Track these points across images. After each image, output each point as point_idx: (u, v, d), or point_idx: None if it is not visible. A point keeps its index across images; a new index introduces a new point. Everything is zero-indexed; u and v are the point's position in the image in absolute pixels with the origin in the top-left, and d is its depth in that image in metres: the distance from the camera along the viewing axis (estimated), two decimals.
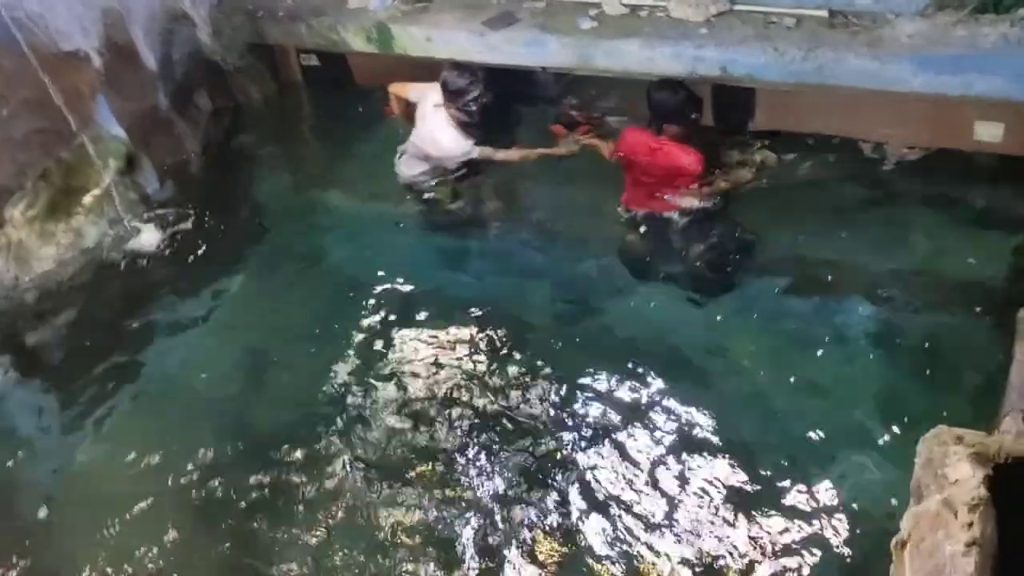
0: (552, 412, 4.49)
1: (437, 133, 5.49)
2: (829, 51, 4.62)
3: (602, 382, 4.58)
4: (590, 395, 4.54)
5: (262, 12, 6.22)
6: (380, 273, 5.41)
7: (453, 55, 5.58)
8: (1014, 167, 4.89)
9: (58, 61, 5.26)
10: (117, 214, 5.67)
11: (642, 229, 5.23)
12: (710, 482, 4.07)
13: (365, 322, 5.14)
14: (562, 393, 4.56)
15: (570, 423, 4.43)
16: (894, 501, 3.66)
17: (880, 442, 4.03)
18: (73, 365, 5.08)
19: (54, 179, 5.32)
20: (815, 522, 3.84)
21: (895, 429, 4.04)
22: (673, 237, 5.16)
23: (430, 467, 4.34)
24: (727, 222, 5.15)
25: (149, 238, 5.72)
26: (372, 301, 5.25)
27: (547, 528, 4.02)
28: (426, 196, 5.74)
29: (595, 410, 4.47)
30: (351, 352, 4.97)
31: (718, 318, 4.81)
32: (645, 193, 5.19)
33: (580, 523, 4.02)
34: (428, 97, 5.55)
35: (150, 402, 4.91)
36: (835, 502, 3.89)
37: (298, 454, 4.46)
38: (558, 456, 4.30)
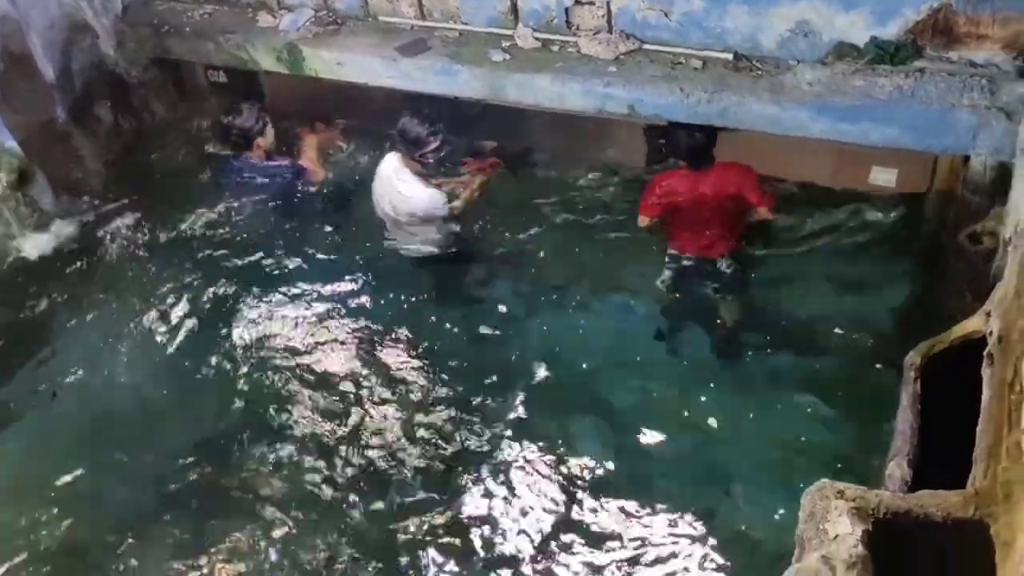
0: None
1: (412, 196, 5.12)
2: (732, 95, 4.70)
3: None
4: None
5: (168, 27, 6.07)
6: (297, 287, 5.43)
7: (365, 80, 5.54)
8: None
9: None
10: (7, 230, 5.46)
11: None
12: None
13: (277, 333, 5.14)
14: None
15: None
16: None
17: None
18: None
19: None
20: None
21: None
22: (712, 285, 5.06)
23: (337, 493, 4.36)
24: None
25: (40, 253, 5.53)
26: (280, 307, 5.28)
27: None
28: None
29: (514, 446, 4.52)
30: (258, 370, 4.95)
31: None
32: (698, 235, 5.04)
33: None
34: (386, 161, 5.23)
35: (47, 419, 4.81)
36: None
37: (207, 472, 4.46)
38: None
